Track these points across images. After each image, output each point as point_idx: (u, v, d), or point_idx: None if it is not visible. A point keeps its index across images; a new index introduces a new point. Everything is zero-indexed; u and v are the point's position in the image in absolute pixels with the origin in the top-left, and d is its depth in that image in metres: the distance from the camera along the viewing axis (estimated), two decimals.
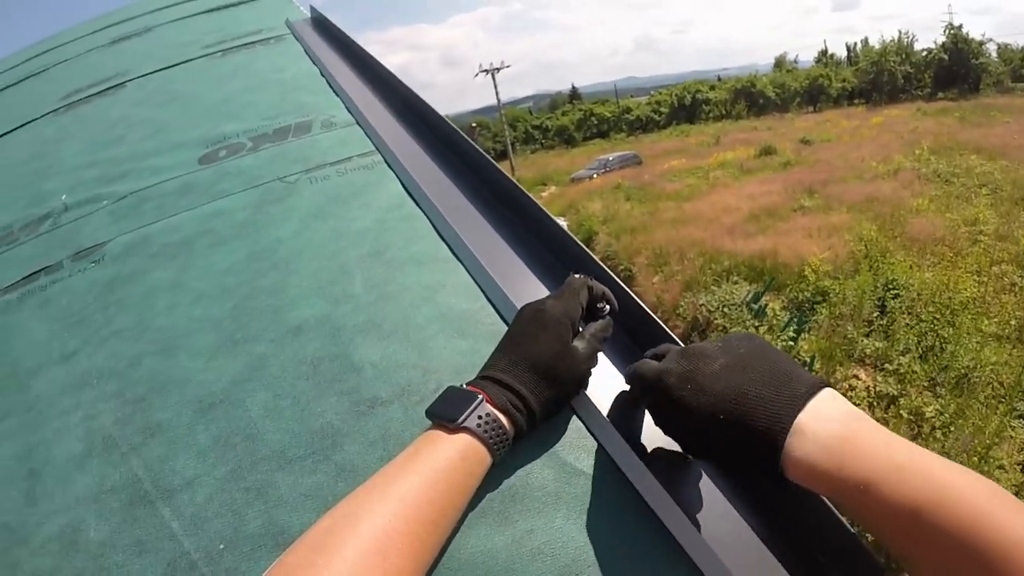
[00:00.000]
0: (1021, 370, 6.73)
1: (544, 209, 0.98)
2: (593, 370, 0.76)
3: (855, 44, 45.85)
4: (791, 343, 8.18)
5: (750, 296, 9.76)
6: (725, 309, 9.75)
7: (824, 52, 47.39)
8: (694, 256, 11.90)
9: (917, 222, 11.27)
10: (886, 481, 0.51)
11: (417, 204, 1.08)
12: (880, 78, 39.38)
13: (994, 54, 37.74)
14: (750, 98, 43.62)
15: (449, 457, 0.62)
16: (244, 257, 1.06)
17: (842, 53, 47.71)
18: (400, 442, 0.73)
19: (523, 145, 48.58)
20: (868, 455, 0.53)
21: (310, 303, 0.94)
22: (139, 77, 1.99)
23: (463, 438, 0.63)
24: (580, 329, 0.75)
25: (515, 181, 1.04)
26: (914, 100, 35.82)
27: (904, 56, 39.28)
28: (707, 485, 0.71)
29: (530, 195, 1.02)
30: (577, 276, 0.77)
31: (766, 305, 9.39)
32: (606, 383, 0.79)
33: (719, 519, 0.68)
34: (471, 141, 1.17)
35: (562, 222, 14.19)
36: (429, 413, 0.66)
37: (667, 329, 0.80)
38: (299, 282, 0.98)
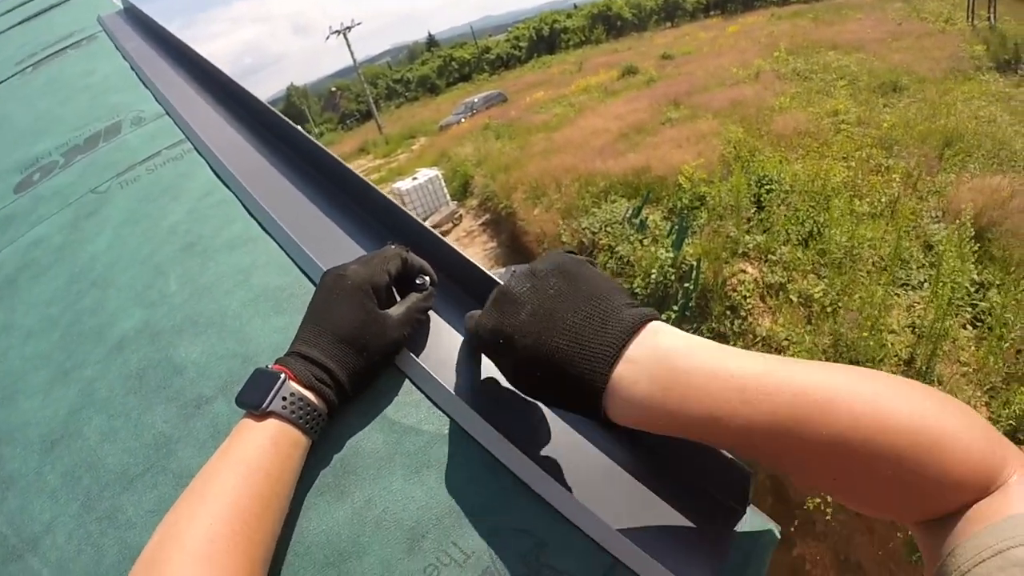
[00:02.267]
0: (896, 241, 7.00)
1: (357, 173, 0.96)
2: (430, 332, 0.76)
3: None
4: (673, 251, 8.37)
5: (630, 212, 9.91)
6: (608, 228, 9.91)
7: None
8: (569, 183, 12.00)
9: (781, 119, 11.60)
10: (736, 411, 0.48)
11: (228, 187, 1.05)
12: None
13: None
14: (608, 22, 43.85)
15: (260, 445, 0.60)
16: (64, 282, 1.02)
17: None
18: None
19: (387, 101, 48.02)
20: (704, 388, 0.50)
21: (129, 314, 0.91)
22: None
23: (272, 423, 0.61)
24: (397, 299, 0.74)
25: (327, 149, 1.01)
26: (768, 7, 36.23)
27: None
28: (553, 419, 0.71)
29: (342, 161, 0.98)
30: (392, 245, 0.75)
31: (647, 218, 9.56)
32: (439, 343, 0.78)
33: (570, 452, 0.67)
34: (273, 109, 1.13)
35: (435, 171, 14.11)
36: (237, 401, 0.64)
37: (485, 270, 0.79)
38: (117, 295, 0.95)
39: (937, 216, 7.92)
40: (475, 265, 0.80)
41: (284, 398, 0.62)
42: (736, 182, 8.87)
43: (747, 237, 8.24)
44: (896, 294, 6.72)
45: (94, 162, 1.26)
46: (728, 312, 7.47)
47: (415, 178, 15.99)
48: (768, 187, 8.98)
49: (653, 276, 8.32)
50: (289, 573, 0.61)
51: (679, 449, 0.63)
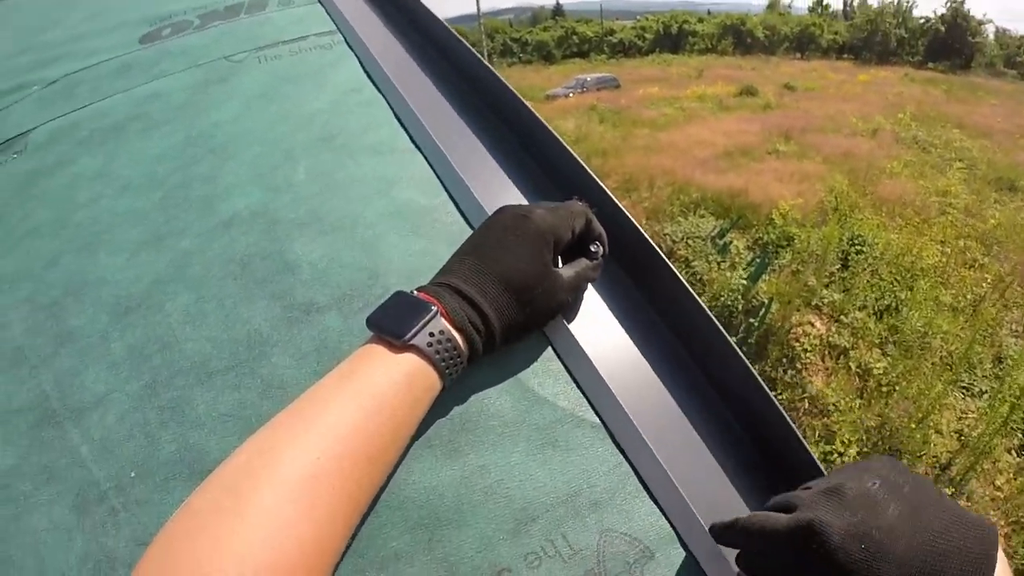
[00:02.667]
0: (970, 342, 6.80)
1: (534, 112, 0.85)
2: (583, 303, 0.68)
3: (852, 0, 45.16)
4: (748, 281, 8.23)
5: (716, 231, 9.76)
6: (689, 241, 9.72)
7: (819, 2, 46.65)
8: (663, 185, 11.77)
9: (889, 184, 11.29)
10: None
11: (378, 89, 0.94)
12: (873, 37, 38.97)
13: (991, 36, 37.76)
14: (737, 36, 42.92)
15: (392, 379, 0.51)
16: (179, 142, 0.92)
17: (838, 5, 47.45)
18: (337, 355, 0.62)
19: (500, 58, 47.85)
20: None
21: (246, 192, 0.81)
22: None
23: (410, 358, 0.52)
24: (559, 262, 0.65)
25: (496, 72, 0.90)
26: (903, 65, 35.52)
27: (901, 20, 38.98)
28: (684, 427, 0.63)
29: (513, 90, 0.88)
30: (581, 202, 0.65)
31: (731, 242, 9.39)
32: (591, 316, 0.69)
33: (693, 461, 0.61)
34: (441, 22, 1.02)
35: None
36: (370, 322, 0.55)
37: (673, 269, 0.69)
38: (236, 169, 0.84)
39: (1018, 330, 7.64)
40: (656, 250, 0.69)
41: (431, 334, 0.52)
42: (828, 233, 8.66)
43: (825, 291, 8.04)
44: (954, 395, 6.50)
45: (232, 31, 1.17)
46: (784, 360, 7.26)
47: None
48: (859, 248, 8.75)
49: (721, 300, 8.09)
50: (376, 525, 0.53)
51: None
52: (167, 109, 1.00)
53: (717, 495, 0.60)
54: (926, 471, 5.66)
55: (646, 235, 0.70)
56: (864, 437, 5.97)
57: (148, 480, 0.58)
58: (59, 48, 1.29)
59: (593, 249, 0.65)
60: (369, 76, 0.97)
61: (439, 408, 0.57)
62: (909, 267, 8.36)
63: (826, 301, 7.89)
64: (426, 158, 0.81)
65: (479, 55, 0.95)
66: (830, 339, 7.36)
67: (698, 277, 8.75)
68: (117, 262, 0.78)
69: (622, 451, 0.57)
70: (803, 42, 41.97)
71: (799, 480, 0.54)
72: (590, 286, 0.70)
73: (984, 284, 8.32)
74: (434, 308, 0.53)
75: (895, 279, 8.14)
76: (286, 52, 1.07)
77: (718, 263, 8.89)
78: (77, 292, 0.76)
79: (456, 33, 0.99)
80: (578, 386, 0.61)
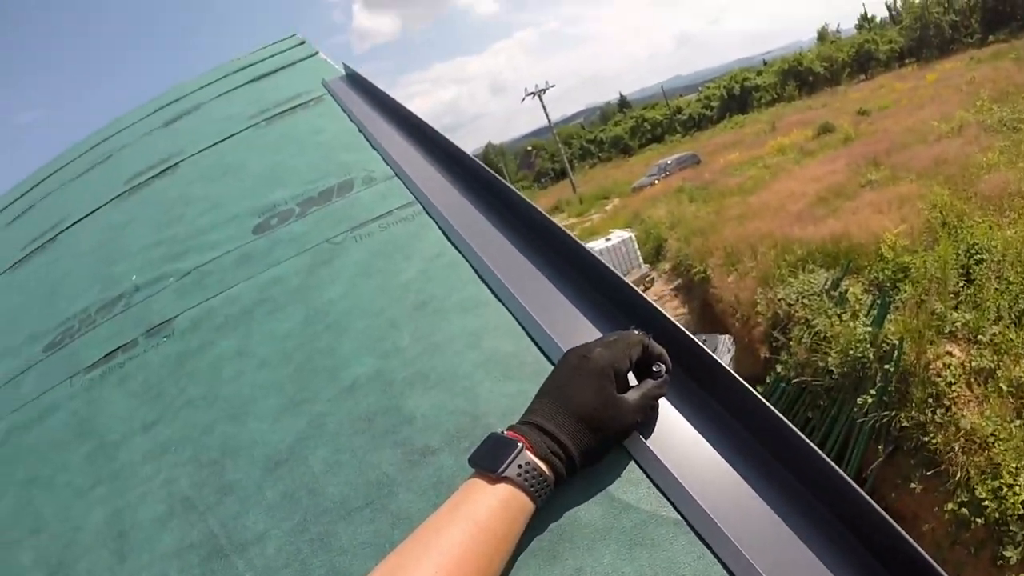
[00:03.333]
0: None
1: (582, 244, 0.99)
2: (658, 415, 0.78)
3: (895, 2, 44.40)
4: (873, 327, 7.78)
5: (828, 283, 9.41)
6: (804, 300, 9.38)
7: (864, 16, 46.20)
8: (766, 250, 11.60)
9: (990, 178, 10.57)
10: None
11: (458, 250, 1.12)
12: (926, 32, 37.99)
13: None
14: (799, 77, 42.87)
15: (491, 507, 0.63)
16: (300, 321, 1.12)
17: (883, 14, 46.43)
18: (451, 488, 0.74)
19: (580, 161, 48.69)
20: None
21: (362, 360, 0.98)
22: (193, 155, 2.10)
23: (504, 487, 0.64)
24: (630, 383, 0.76)
25: (551, 219, 1.06)
26: (966, 49, 34.41)
27: (947, 5, 37.73)
28: (770, 518, 0.70)
29: (569, 233, 1.03)
30: (636, 332, 0.77)
31: (847, 290, 8.98)
32: (665, 425, 0.79)
33: (783, 551, 0.66)
34: (498, 176, 1.20)
35: (629, 233, 13.92)
36: (471, 461, 0.68)
37: (727, 368, 0.79)
38: (351, 341, 1.03)
39: None
40: (704, 350, 0.81)
41: (520, 466, 0.65)
42: (942, 251, 8.18)
43: (954, 314, 7.49)
44: None
45: (329, 214, 1.38)
46: (930, 400, 6.74)
47: (608, 239, 16.12)
48: (978, 257, 8.19)
49: (851, 354, 7.68)
50: None
51: (883, 540, 0.62)
52: (286, 292, 1.20)
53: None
54: None
55: (698, 342, 0.81)
56: None
57: None
58: (185, 242, 1.53)
59: (655, 369, 0.76)
60: (449, 240, 1.16)
61: (540, 524, 0.68)
62: None
63: (958, 324, 7.34)
64: (507, 308, 0.97)
65: (540, 209, 1.10)
66: (972, 364, 6.80)
67: (822, 336, 8.36)
68: (263, 426, 0.95)
69: (704, 542, 0.65)
70: (863, 61, 41.53)
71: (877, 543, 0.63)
72: (662, 399, 0.82)
73: None
74: (520, 444, 0.66)
75: None
76: (376, 228, 1.27)
77: (839, 315, 8.46)
78: (233, 452, 0.94)
79: (516, 190, 1.16)
80: (658, 489, 0.70)
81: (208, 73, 3.32)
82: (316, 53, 2.83)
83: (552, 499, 0.70)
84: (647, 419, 0.75)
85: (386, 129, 1.73)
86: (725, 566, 0.63)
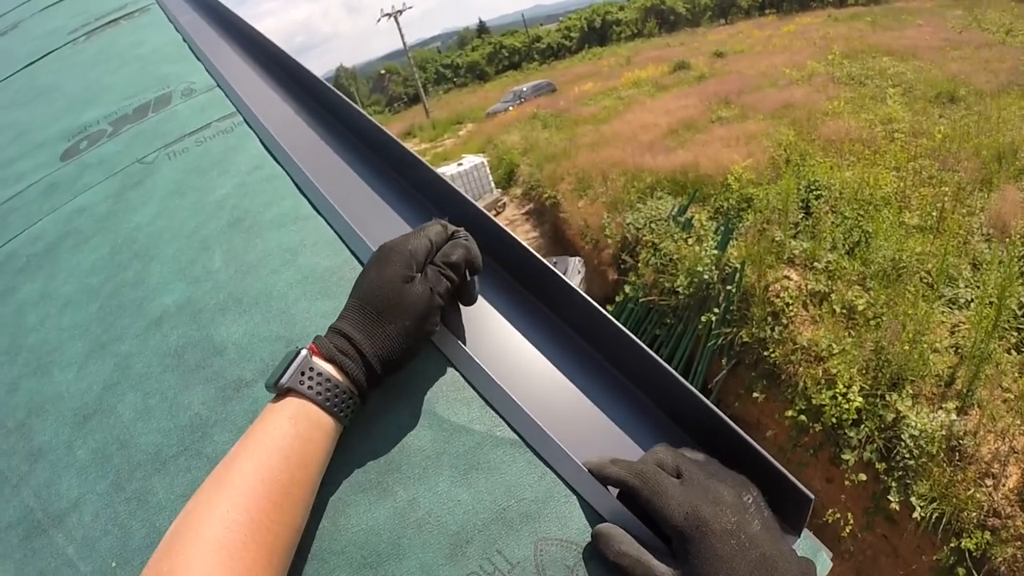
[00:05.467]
0: (943, 256, 6.83)
1: (410, 150, 0.91)
2: (483, 323, 0.73)
3: None
4: (718, 251, 8.24)
5: (676, 210, 9.75)
6: (652, 225, 9.70)
7: None
8: (616, 176, 11.84)
9: (833, 124, 11.22)
10: None
11: (278, 162, 1.01)
12: None
13: None
14: (661, 16, 43.48)
15: (279, 426, 0.56)
16: (107, 252, 0.99)
17: None
18: None
19: (435, 86, 48.34)
20: None
21: (171, 289, 0.87)
22: (4, 79, 1.87)
23: (290, 401, 0.57)
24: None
25: (380, 125, 0.96)
26: (825, 7, 35.57)
27: None
28: (611, 430, 0.67)
29: (394, 137, 0.94)
30: (441, 221, 0.69)
31: (692, 216, 9.38)
32: (491, 334, 0.75)
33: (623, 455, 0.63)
34: (330, 87, 1.08)
35: (481, 158, 14.11)
36: (266, 384, 0.60)
37: (557, 273, 0.74)
38: (160, 268, 0.91)
39: (987, 234, 7.64)
40: (528, 250, 0.75)
41: (303, 373, 0.58)
42: (785, 186, 8.61)
43: (793, 243, 8.00)
44: (942, 311, 6.52)
45: (142, 132, 1.24)
46: (769, 318, 7.24)
47: (460, 164, 15.97)
48: (817, 193, 8.74)
49: (695, 276, 8.13)
50: (324, 571, 0.59)
51: (742, 462, 0.60)
52: (92, 221, 1.06)
53: None
54: (931, 391, 5.68)
55: (527, 246, 0.76)
56: (863, 371, 5.99)
57: (127, 567, 0.64)
58: None
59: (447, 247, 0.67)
60: (269, 151, 1.04)
61: (363, 454, 0.63)
62: (869, 199, 8.34)
63: (796, 252, 7.87)
64: (327, 222, 0.87)
65: (365, 112, 1.01)
66: (808, 287, 7.35)
67: (668, 258, 8.75)
68: (69, 376, 0.84)
69: (544, 461, 0.61)
70: (724, 7, 42.31)
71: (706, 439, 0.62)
72: (495, 308, 0.76)
73: (945, 198, 8.28)
74: (305, 351, 0.59)
75: (858, 214, 8.13)
76: (192, 143, 1.14)
77: (685, 240, 8.86)
78: (39, 411, 0.83)
79: (341, 94, 1.05)
80: (492, 408, 0.66)
81: None
82: None
83: (375, 425, 0.64)
84: (444, 307, 0.65)
85: (216, 40, 1.57)
86: (568, 484, 0.60)
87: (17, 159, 1.36)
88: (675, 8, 42.97)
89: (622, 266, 9.84)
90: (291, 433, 0.56)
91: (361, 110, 1.02)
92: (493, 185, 16.24)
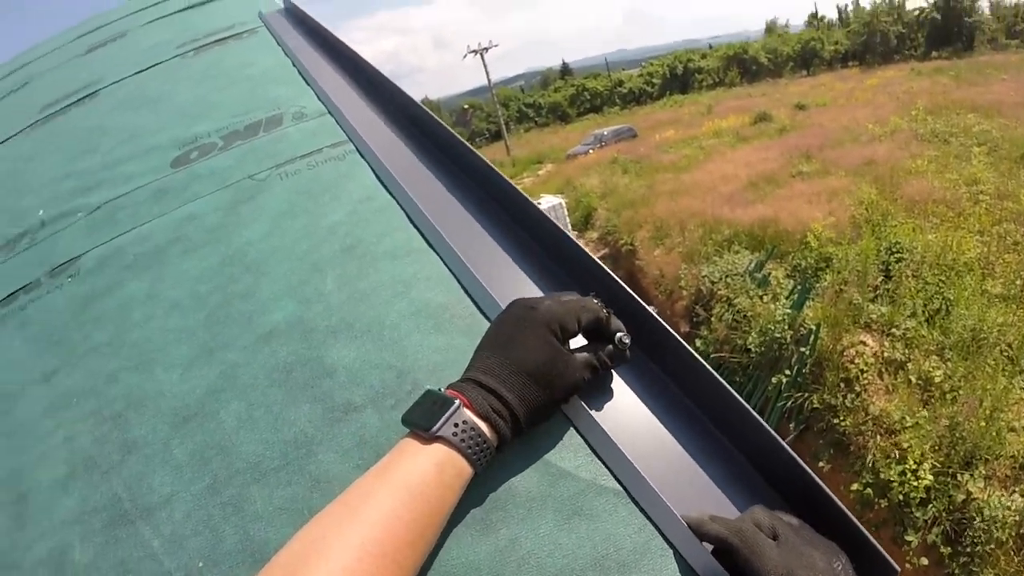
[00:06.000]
0: None
1: (524, 195, 0.94)
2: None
3: (846, 6, 45.46)
4: (793, 311, 8.10)
5: (752, 265, 9.67)
6: (728, 279, 9.65)
7: (815, 15, 47.17)
8: (694, 227, 11.78)
9: (916, 183, 11.05)
10: None
11: (391, 194, 1.04)
12: (873, 39, 39.08)
13: (987, 11, 37.41)
14: (743, 65, 43.42)
15: (424, 471, 0.58)
16: (216, 262, 1.03)
17: (833, 15, 47.64)
18: (375, 449, 0.70)
19: (517, 124, 48.64)
20: None
21: (282, 306, 0.90)
22: (113, 83, 1.96)
23: (439, 448, 0.59)
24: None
25: (494, 167, 1.00)
26: (908, 60, 35.63)
27: (896, 16, 38.97)
28: (709, 488, 0.68)
29: (514, 185, 0.97)
30: (595, 299, 0.72)
31: (769, 274, 9.29)
32: (607, 393, 0.76)
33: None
34: (445, 125, 1.12)
35: (560, 199, 14.14)
36: (404, 420, 0.62)
37: (674, 335, 0.75)
38: (271, 285, 0.95)
39: None
40: (653, 316, 0.76)
41: (456, 424, 0.60)
42: (865, 246, 8.50)
43: (871, 306, 7.81)
44: (1022, 387, 6.24)
45: (254, 149, 1.29)
46: (842, 384, 7.05)
47: (539, 203, 15.89)
48: (898, 255, 8.53)
49: (769, 335, 7.98)
50: None
51: (832, 527, 0.60)
52: (202, 231, 1.11)
53: None
54: (1006, 472, 5.46)
55: (654, 312, 0.77)
56: (936, 447, 5.79)
57: (215, 570, 0.66)
58: (98, 174, 1.41)
59: (617, 340, 0.71)
60: (382, 182, 1.07)
61: (473, 491, 0.63)
62: (951, 264, 8.09)
63: (874, 316, 7.66)
64: (440, 257, 0.90)
65: (480, 155, 1.04)
66: (885, 354, 7.12)
67: (742, 314, 8.63)
68: (172, 376, 0.87)
69: (645, 513, 0.62)
70: (806, 58, 42.15)
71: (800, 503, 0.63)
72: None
73: None
74: (457, 401, 0.61)
75: (940, 280, 7.88)
76: (304, 166, 1.18)
77: (760, 297, 8.77)
78: (138, 405, 0.86)
79: (458, 135, 1.09)
80: (598, 457, 0.66)
81: (135, 0, 3.12)
82: None
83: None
84: (592, 381, 0.70)
85: (322, 65, 1.63)
86: (666, 538, 0.60)
87: (126, 160, 1.42)
88: (757, 58, 42.89)
89: (694, 319, 9.77)
90: (434, 480, 0.58)
91: (472, 148, 1.05)
92: (570, 227, 16.30)
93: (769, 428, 0.67)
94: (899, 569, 0.59)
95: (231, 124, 1.41)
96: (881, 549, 0.59)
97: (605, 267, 0.82)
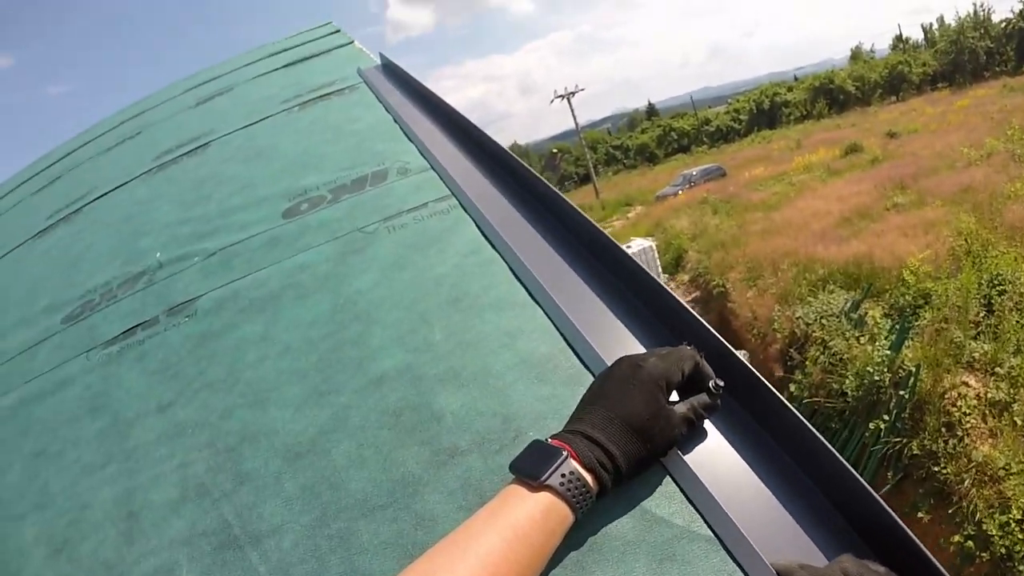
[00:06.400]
0: None
1: (620, 246, 0.97)
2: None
3: (931, 25, 44.01)
4: (891, 352, 7.71)
5: (848, 305, 9.31)
6: (823, 320, 9.28)
7: (899, 37, 45.97)
8: (787, 267, 11.48)
9: (1018, 208, 10.40)
10: None
11: (494, 248, 1.09)
12: (961, 57, 37.70)
13: None
14: (830, 95, 42.40)
15: (531, 515, 0.61)
16: (328, 309, 1.09)
17: (919, 36, 46.21)
18: (479, 492, 0.73)
19: (605, 167, 48.72)
20: None
21: (391, 353, 0.95)
22: (224, 135, 2.09)
23: (545, 496, 0.62)
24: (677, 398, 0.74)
25: (591, 219, 1.03)
26: (999, 76, 34.26)
27: (983, 31, 37.44)
28: (799, 535, 0.68)
29: (606, 233, 1.00)
30: (689, 347, 0.75)
31: (866, 313, 8.91)
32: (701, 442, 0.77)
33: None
34: (543, 179, 1.17)
35: (650, 242, 13.94)
36: (513, 467, 0.65)
37: (768, 384, 0.76)
38: (381, 332, 1.00)
39: None
40: (746, 365, 0.78)
41: (563, 475, 0.62)
42: (965, 280, 8.08)
43: (973, 344, 7.39)
44: None
45: (361, 203, 1.36)
46: (943, 429, 6.67)
47: (629, 246, 15.84)
48: (1000, 287, 8.07)
49: (866, 378, 7.62)
50: None
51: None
52: (314, 279, 1.18)
53: None
54: None
55: (746, 362, 0.79)
56: None
57: None
58: (213, 221, 1.51)
59: (711, 386, 0.73)
60: (485, 236, 1.13)
61: (570, 534, 0.65)
62: None
63: (977, 355, 7.25)
64: (543, 310, 0.93)
65: (579, 209, 1.08)
66: (989, 396, 6.73)
67: (838, 356, 8.30)
68: (285, 415, 0.93)
69: (736, 561, 0.63)
70: (895, 83, 41.06)
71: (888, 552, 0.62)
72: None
73: None
74: (565, 452, 0.64)
75: None
76: (410, 220, 1.25)
77: (856, 338, 8.42)
78: (252, 440, 0.91)
79: (553, 187, 1.13)
80: (691, 504, 0.68)
81: (242, 55, 3.32)
82: (351, 42, 2.82)
83: None
84: (692, 433, 0.73)
85: (422, 121, 1.71)
86: None
87: (240, 209, 1.51)
88: (844, 87, 41.95)
89: (788, 363, 9.44)
90: (540, 526, 0.60)
91: (571, 203, 1.09)
92: (660, 270, 16.17)
93: (856, 474, 0.67)
94: None
95: (338, 178, 1.50)
96: None
97: (692, 311, 0.84)
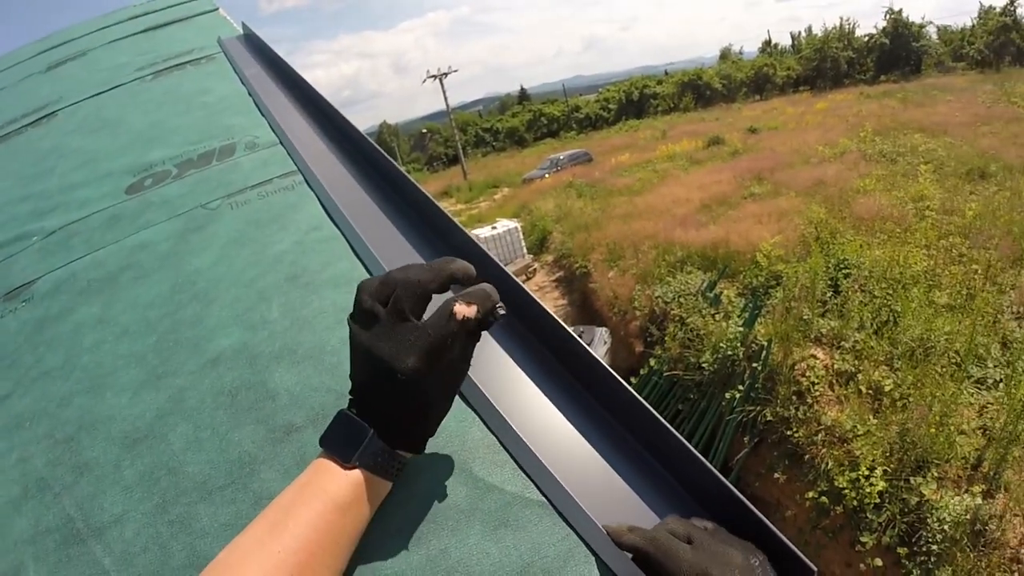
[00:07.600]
0: (970, 335, 6.81)
1: (457, 223, 0.99)
2: (506, 382, 0.79)
3: (799, 33, 47.08)
4: (745, 328, 8.29)
5: (705, 285, 9.88)
6: (681, 299, 9.84)
7: (768, 42, 48.70)
8: (647, 249, 12.02)
9: (865, 201, 11.36)
10: None
11: (336, 224, 1.10)
12: (824, 64, 40.72)
13: (934, 36, 39.35)
14: (697, 90, 44.68)
15: (341, 486, 0.61)
16: (167, 289, 1.07)
17: (787, 42, 49.24)
18: None
19: (474, 148, 49.17)
20: None
21: (228, 332, 0.95)
22: (72, 104, 1.98)
23: (357, 473, 0.62)
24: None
25: (434, 201, 1.05)
26: (857, 84, 37.16)
27: (846, 42, 40.71)
28: (630, 498, 0.72)
29: (447, 212, 1.02)
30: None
31: (721, 293, 9.49)
32: (518, 394, 0.81)
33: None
34: (390, 159, 1.17)
35: (515, 223, 14.21)
36: (322, 442, 0.65)
37: (594, 355, 0.80)
38: (218, 312, 0.99)
39: (1018, 312, 7.63)
40: (573, 337, 0.81)
41: (372, 453, 0.63)
42: (814, 263, 8.66)
43: (821, 321, 8.02)
44: (970, 392, 6.46)
45: (206, 179, 1.33)
46: (794, 397, 7.23)
47: (494, 227, 16.22)
48: (846, 271, 8.79)
49: (722, 352, 8.16)
50: None
51: (748, 532, 0.64)
52: (154, 258, 1.15)
53: None
54: (957, 474, 5.63)
55: (567, 328, 0.82)
56: (888, 453, 5.93)
57: None
58: (54, 198, 1.44)
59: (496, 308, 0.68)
60: (328, 214, 1.13)
61: (402, 503, 0.68)
62: (899, 278, 8.32)
63: (824, 330, 7.86)
64: None
65: (425, 191, 1.09)
66: (835, 366, 7.33)
67: (695, 333, 8.79)
68: (123, 400, 0.91)
69: (568, 524, 0.66)
70: (759, 83, 43.54)
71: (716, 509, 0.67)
72: (529, 378, 0.82)
73: (975, 276, 8.26)
74: (372, 431, 0.63)
75: (887, 293, 8.11)
76: (254, 196, 1.23)
77: (712, 315, 8.95)
78: (90, 428, 0.90)
79: (404, 171, 1.14)
80: (524, 471, 0.71)
81: (98, 18, 3.11)
82: (216, 9, 2.69)
83: (416, 479, 0.70)
84: (459, 333, 0.66)
85: (277, 95, 1.67)
86: (588, 546, 0.65)
87: (82, 185, 1.45)
88: (711, 83, 44.10)
89: (648, 339, 9.90)
90: (350, 495, 0.61)
91: (414, 182, 1.10)
92: (525, 250, 16.46)
93: (682, 438, 0.71)
94: (815, 569, 0.62)
95: (185, 152, 1.45)
96: (796, 550, 0.63)
97: (531, 293, 0.87)
